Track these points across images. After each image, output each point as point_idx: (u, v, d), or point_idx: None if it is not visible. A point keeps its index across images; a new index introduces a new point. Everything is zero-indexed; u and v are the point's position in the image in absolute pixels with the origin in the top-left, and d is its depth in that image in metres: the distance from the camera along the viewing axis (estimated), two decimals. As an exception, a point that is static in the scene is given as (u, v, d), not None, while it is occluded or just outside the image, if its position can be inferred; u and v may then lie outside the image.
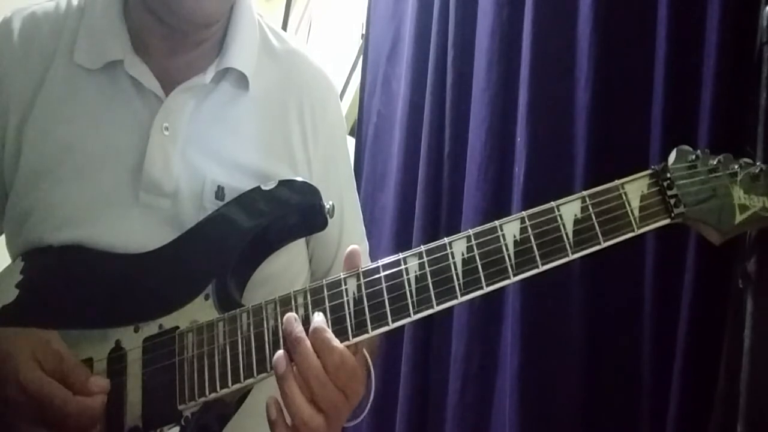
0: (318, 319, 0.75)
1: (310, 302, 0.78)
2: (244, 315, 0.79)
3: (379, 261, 0.78)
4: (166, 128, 0.88)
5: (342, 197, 1.01)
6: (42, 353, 0.75)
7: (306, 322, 0.76)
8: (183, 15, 0.86)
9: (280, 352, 0.74)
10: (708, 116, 1.16)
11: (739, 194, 0.80)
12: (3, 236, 0.97)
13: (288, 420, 0.73)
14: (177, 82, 0.90)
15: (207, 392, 0.77)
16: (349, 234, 1.03)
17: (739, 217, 0.80)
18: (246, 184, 0.88)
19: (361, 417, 0.82)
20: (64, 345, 0.77)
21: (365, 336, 0.75)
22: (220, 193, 0.88)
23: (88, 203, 0.88)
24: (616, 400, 1.29)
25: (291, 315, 0.76)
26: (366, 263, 0.79)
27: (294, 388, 0.72)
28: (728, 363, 1.06)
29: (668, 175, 0.80)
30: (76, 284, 0.86)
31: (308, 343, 0.73)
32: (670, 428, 1.16)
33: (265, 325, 0.78)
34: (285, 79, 0.97)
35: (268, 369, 0.76)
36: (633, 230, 0.77)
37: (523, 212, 0.78)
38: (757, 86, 1.06)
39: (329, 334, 0.74)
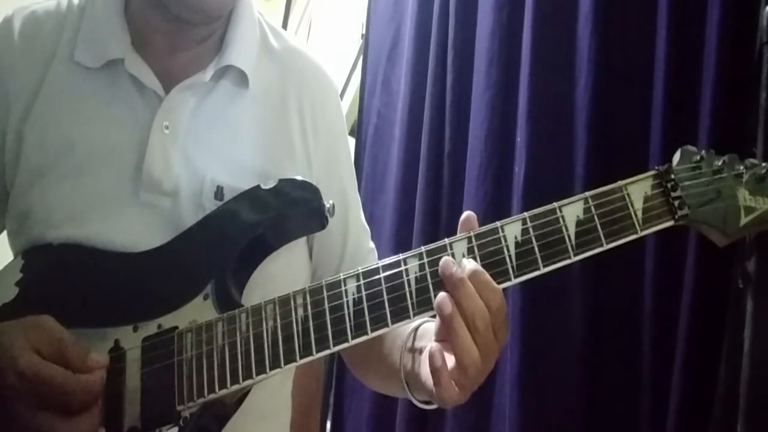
0: (472, 262, 0.74)
1: (309, 302, 0.77)
2: (243, 315, 0.79)
3: (379, 261, 0.78)
4: (166, 127, 0.88)
5: (345, 194, 1.00)
6: (37, 338, 0.74)
7: (305, 321, 0.76)
8: (194, 5, 0.86)
9: (444, 294, 0.73)
10: (708, 116, 1.16)
11: (744, 196, 0.78)
12: (4, 234, 0.97)
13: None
14: (177, 81, 0.90)
15: (205, 393, 0.77)
16: (354, 231, 1.02)
17: (744, 219, 0.78)
18: (246, 184, 0.87)
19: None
20: (59, 326, 0.76)
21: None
22: (219, 193, 0.88)
23: (89, 201, 0.87)
24: (616, 399, 1.29)
25: (447, 258, 0.74)
26: (375, 261, 0.79)
27: (464, 326, 0.71)
28: (728, 363, 1.06)
29: (672, 176, 0.77)
30: (75, 283, 0.85)
31: (470, 283, 0.72)
32: (670, 428, 1.16)
33: (264, 326, 0.77)
34: (284, 76, 0.97)
35: (267, 370, 0.76)
36: (636, 232, 0.76)
37: (524, 213, 0.77)
38: (757, 86, 1.06)
39: (488, 276, 0.73)
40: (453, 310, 0.72)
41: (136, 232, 0.86)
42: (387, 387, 0.97)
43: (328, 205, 0.86)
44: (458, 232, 0.78)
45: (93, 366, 0.75)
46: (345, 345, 0.75)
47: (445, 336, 0.74)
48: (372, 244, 1.07)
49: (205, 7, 0.87)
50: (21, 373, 0.72)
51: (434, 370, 0.72)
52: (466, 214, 0.78)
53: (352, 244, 1.01)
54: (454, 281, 0.72)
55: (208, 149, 0.90)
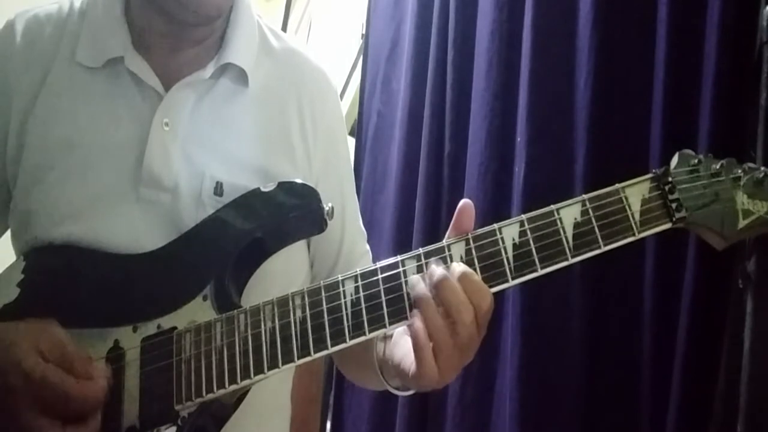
0: (461, 265, 0.74)
1: (307, 303, 0.77)
2: (242, 316, 0.79)
3: (377, 263, 0.78)
4: (166, 124, 0.89)
5: (343, 195, 1.01)
6: (44, 342, 0.74)
7: (303, 322, 0.76)
8: (192, 6, 0.86)
9: (415, 277, 0.74)
10: (708, 116, 1.16)
11: (742, 199, 0.78)
12: (7, 235, 0.97)
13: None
14: (177, 78, 0.91)
15: (204, 393, 0.77)
16: (350, 233, 1.02)
17: (742, 222, 0.78)
18: (245, 181, 0.88)
19: None
20: (65, 333, 0.77)
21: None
22: (218, 189, 0.88)
23: (89, 199, 0.88)
24: (616, 399, 1.29)
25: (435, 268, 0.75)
26: (368, 264, 0.79)
27: (435, 311, 0.72)
28: (728, 363, 1.06)
29: (670, 179, 0.78)
30: (76, 284, 0.86)
31: (455, 281, 0.72)
32: (670, 428, 1.16)
33: (263, 327, 0.77)
34: (284, 76, 0.98)
35: (265, 370, 0.76)
36: (633, 234, 0.76)
37: (522, 216, 0.77)
38: (757, 86, 1.06)
39: (478, 278, 0.74)
40: (424, 284, 0.73)
41: (136, 228, 0.87)
42: (364, 377, 0.99)
43: (327, 208, 0.86)
44: (453, 220, 0.78)
45: (96, 374, 0.75)
46: (343, 345, 0.75)
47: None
48: (367, 247, 1.07)
49: (203, 8, 0.87)
50: (27, 374, 0.72)
51: (418, 347, 0.72)
52: (463, 202, 0.79)
53: (348, 246, 1.01)
54: (438, 279, 0.73)
55: (208, 146, 0.91)
